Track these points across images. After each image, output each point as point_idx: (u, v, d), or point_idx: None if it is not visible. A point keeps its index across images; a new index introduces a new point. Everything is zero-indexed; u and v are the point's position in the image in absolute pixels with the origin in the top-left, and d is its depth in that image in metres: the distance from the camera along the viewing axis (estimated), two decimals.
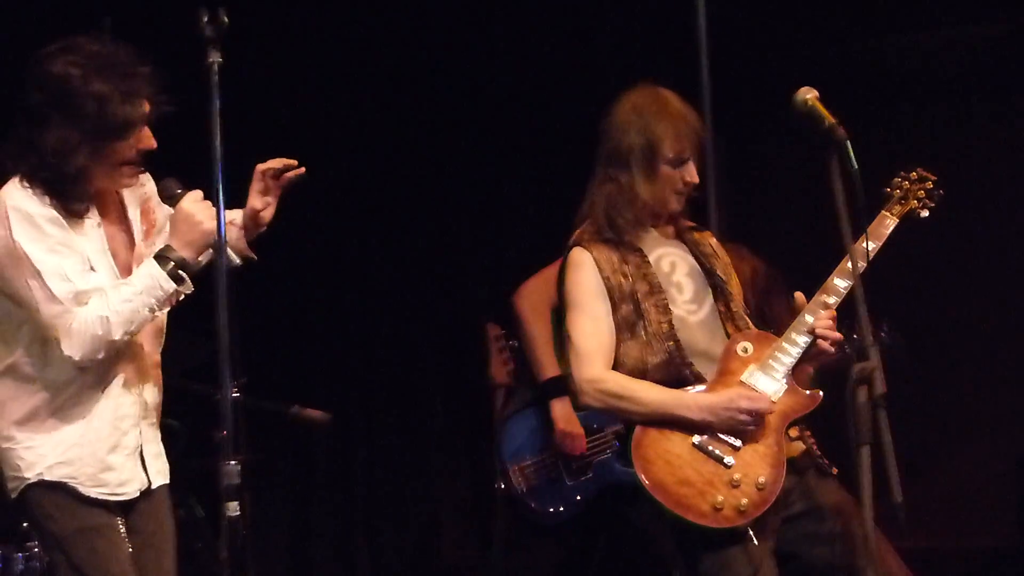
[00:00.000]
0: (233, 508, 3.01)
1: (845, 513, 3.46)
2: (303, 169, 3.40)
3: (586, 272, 3.48)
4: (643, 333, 3.45)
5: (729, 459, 3.34)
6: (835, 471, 3.57)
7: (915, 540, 3.30)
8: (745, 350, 3.45)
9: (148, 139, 3.22)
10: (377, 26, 5.85)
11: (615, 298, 3.46)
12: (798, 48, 5.85)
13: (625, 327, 3.46)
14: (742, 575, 3.32)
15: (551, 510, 4.48)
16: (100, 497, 3.26)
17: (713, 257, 3.62)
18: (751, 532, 3.32)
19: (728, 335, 3.51)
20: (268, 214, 3.39)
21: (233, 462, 3.00)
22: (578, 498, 4.46)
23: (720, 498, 3.30)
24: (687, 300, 3.53)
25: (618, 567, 4.81)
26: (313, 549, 5.94)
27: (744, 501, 3.31)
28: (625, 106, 3.51)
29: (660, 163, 3.44)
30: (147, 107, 3.18)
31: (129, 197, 3.36)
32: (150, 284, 3.19)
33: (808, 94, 3.22)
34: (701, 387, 3.43)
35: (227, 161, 3.05)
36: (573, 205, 3.61)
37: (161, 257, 3.21)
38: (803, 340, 3.42)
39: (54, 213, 3.16)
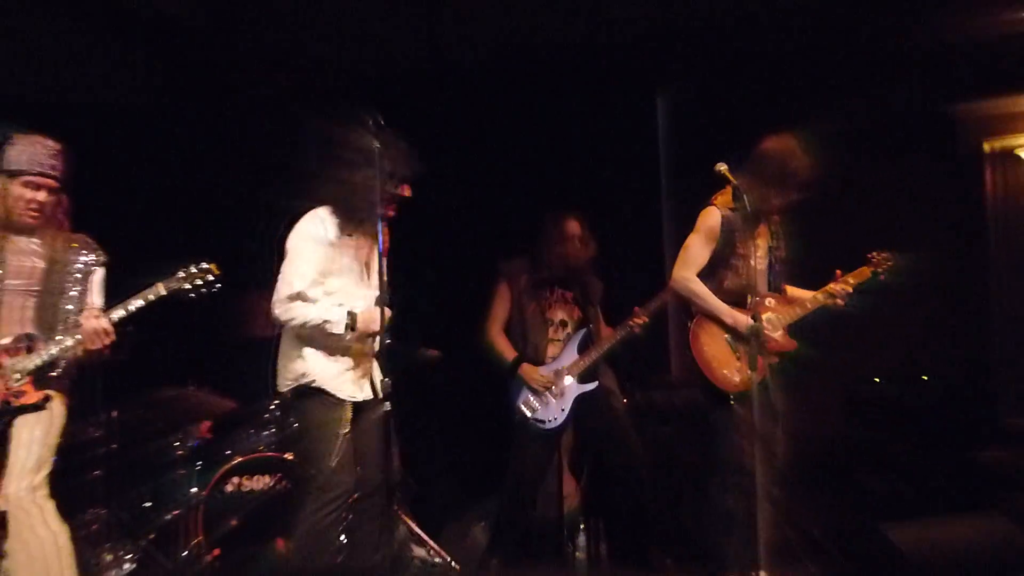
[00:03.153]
0: (387, 406, 4.38)
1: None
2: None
3: (714, 224, 5.23)
4: (729, 272, 5.23)
5: (738, 354, 5.20)
6: None
7: None
8: (769, 303, 5.32)
9: (407, 190, 4.72)
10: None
11: (719, 247, 5.21)
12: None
13: (722, 263, 5.22)
14: (728, 415, 5.14)
15: (550, 419, 6.14)
16: (342, 398, 4.68)
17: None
18: (732, 397, 5.21)
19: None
20: None
21: (387, 379, 4.37)
22: (563, 409, 6.15)
23: (727, 372, 5.19)
24: (760, 257, 5.31)
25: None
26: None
27: (738, 379, 5.18)
28: (786, 143, 5.16)
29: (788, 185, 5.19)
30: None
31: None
32: (328, 321, 4.66)
33: (721, 167, 4.82)
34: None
35: None
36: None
37: (351, 314, 4.65)
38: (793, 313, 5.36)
39: (327, 237, 4.59)
